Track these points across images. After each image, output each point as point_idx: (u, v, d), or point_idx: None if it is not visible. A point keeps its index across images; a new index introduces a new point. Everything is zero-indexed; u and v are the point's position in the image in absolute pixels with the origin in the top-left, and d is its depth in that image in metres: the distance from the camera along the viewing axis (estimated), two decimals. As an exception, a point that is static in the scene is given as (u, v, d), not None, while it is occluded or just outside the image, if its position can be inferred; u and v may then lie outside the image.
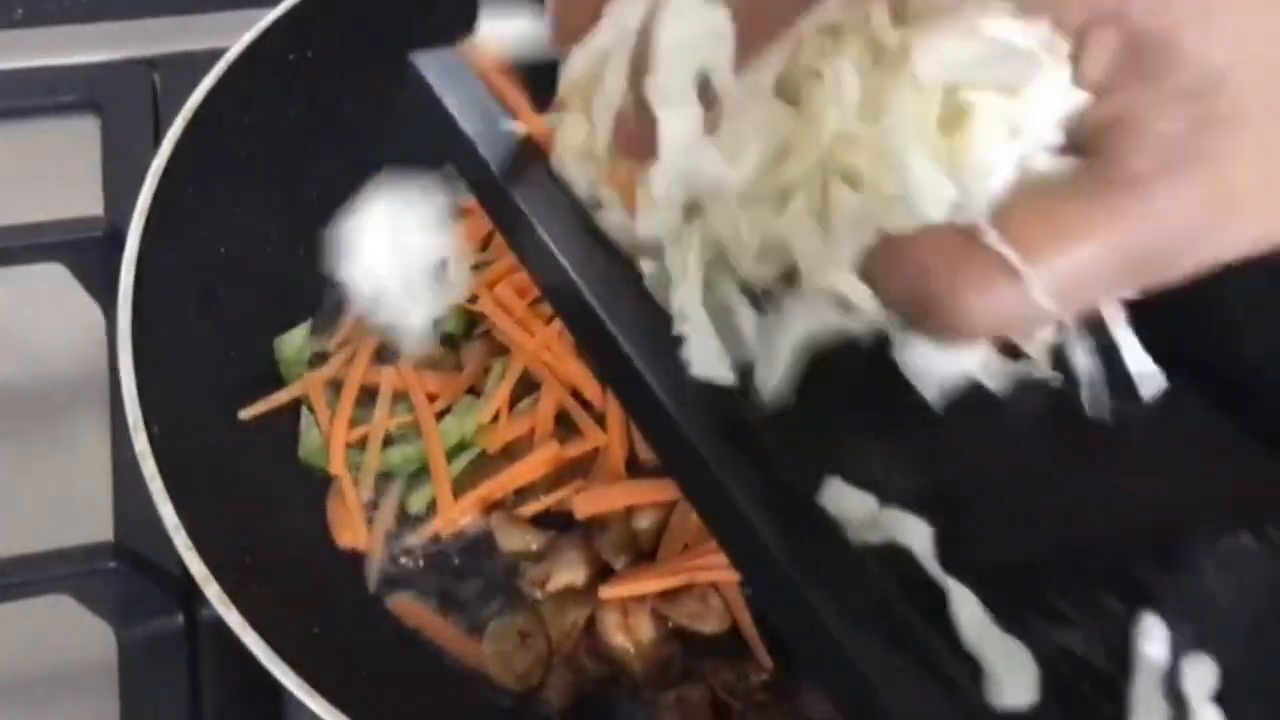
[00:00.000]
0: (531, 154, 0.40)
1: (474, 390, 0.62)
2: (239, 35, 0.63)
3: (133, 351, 0.52)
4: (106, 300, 0.68)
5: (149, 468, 0.50)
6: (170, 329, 0.56)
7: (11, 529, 0.62)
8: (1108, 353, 0.37)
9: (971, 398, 0.36)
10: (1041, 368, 0.38)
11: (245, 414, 0.59)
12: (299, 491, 0.60)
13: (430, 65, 0.44)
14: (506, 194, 0.39)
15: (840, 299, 0.32)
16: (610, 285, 0.36)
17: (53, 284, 0.67)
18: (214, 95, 0.60)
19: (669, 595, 0.56)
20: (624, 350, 0.34)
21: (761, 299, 0.36)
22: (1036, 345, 0.37)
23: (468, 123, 0.41)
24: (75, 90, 0.80)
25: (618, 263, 0.37)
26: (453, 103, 0.42)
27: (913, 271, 0.28)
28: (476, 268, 0.62)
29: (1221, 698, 0.31)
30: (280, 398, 0.61)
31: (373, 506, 0.60)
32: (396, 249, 0.49)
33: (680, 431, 0.33)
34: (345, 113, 0.68)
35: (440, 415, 0.61)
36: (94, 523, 0.62)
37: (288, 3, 0.63)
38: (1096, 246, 0.27)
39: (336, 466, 0.59)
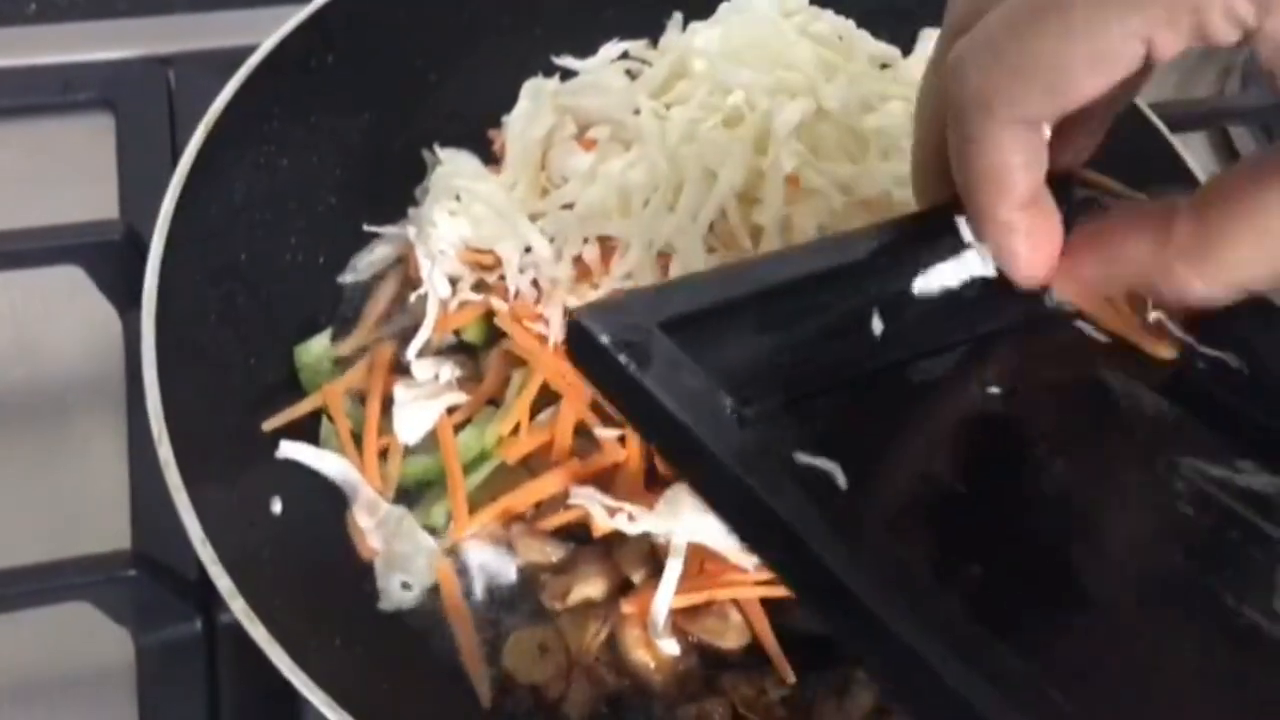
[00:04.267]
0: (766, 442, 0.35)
1: (494, 402, 0.62)
2: (254, 33, 0.63)
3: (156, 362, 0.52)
4: (123, 303, 0.68)
5: (173, 479, 0.50)
6: (192, 338, 0.56)
7: (26, 532, 0.62)
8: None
9: None
10: None
11: (267, 426, 0.59)
12: (320, 502, 0.60)
13: (603, 327, 0.37)
14: (744, 487, 0.33)
15: None
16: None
17: (67, 286, 0.67)
18: (235, 102, 0.60)
19: (689, 611, 0.56)
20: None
21: None
22: None
23: (676, 403, 0.35)
24: (89, 88, 0.80)
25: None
26: (653, 380, 0.36)
27: None
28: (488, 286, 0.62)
29: None
30: (300, 409, 0.61)
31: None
32: None
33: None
34: (366, 119, 0.67)
35: (460, 426, 0.61)
36: (109, 527, 0.62)
37: (308, 9, 0.63)
38: None
39: (370, 476, 0.60)
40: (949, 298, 0.43)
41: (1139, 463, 0.41)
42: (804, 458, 0.35)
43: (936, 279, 0.42)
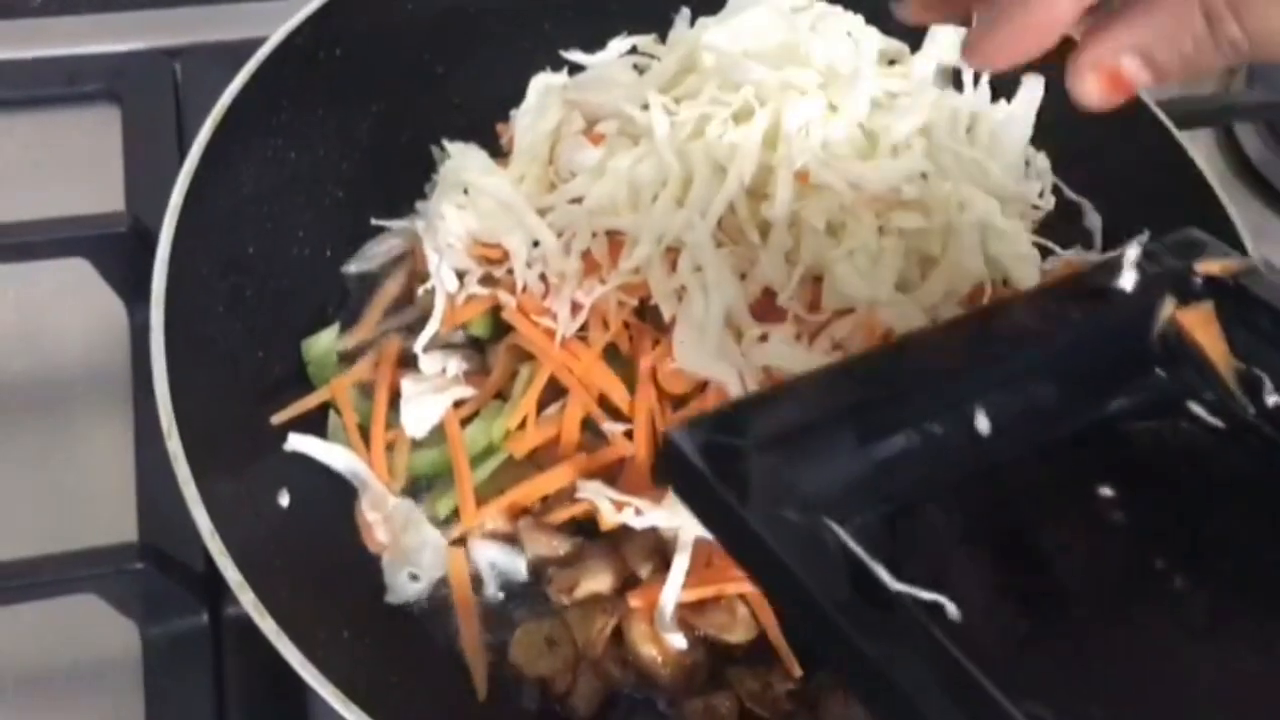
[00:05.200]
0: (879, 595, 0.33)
1: (501, 395, 0.62)
2: (261, 27, 0.63)
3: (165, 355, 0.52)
4: (130, 296, 0.68)
5: (182, 472, 0.50)
6: (199, 331, 0.56)
7: (32, 524, 0.63)
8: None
9: None
10: None
11: (275, 419, 0.59)
12: (327, 495, 0.60)
13: (699, 448, 0.35)
14: (852, 644, 0.31)
15: None
16: None
17: (73, 278, 0.67)
18: (243, 95, 0.60)
19: (696, 605, 0.56)
20: None
21: None
22: None
23: (784, 545, 0.33)
24: (95, 80, 0.80)
25: None
26: (755, 517, 0.34)
27: None
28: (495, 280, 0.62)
29: None
30: (308, 402, 0.61)
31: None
32: None
33: None
34: (373, 112, 0.67)
35: (467, 420, 0.61)
36: (115, 519, 0.63)
37: (316, 1, 0.63)
38: None
39: (378, 469, 0.60)
40: (1057, 385, 0.41)
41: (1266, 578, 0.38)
42: (914, 591, 0.33)
43: (1045, 366, 0.41)
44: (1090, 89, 0.38)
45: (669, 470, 0.36)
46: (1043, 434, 0.41)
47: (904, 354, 0.43)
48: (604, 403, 0.59)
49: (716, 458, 0.35)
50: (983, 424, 0.40)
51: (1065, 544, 0.39)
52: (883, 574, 0.33)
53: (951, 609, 0.33)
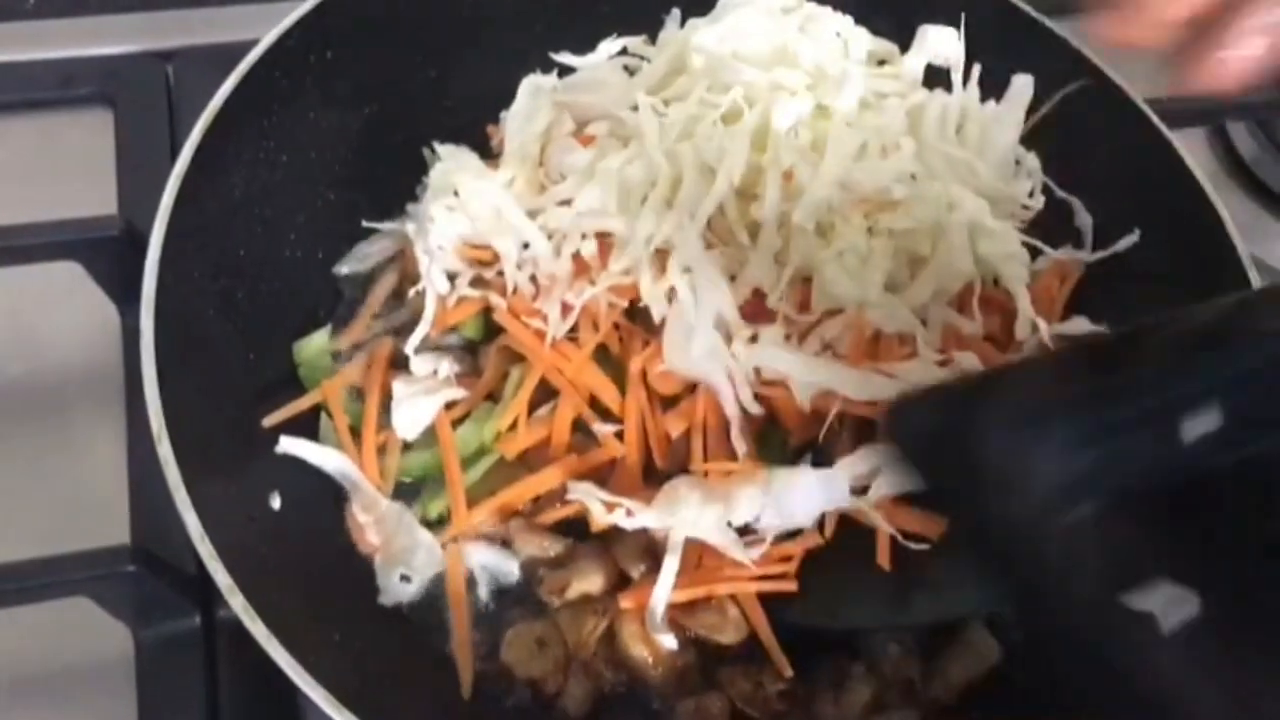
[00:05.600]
0: None
1: (492, 397, 0.62)
2: (253, 29, 0.63)
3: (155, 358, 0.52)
4: (122, 299, 0.68)
5: (172, 475, 0.50)
6: (191, 333, 0.56)
7: (24, 527, 0.63)
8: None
9: None
10: None
11: (267, 422, 0.59)
12: (319, 497, 0.60)
13: (929, 420, 0.37)
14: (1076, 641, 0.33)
15: None
16: None
17: (65, 281, 0.67)
18: (234, 97, 0.60)
19: (687, 606, 0.56)
20: None
21: None
22: None
23: (1013, 539, 0.34)
24: (89, 83, 0.80)
25: None
26: (985, 498, 0.35)
27: None
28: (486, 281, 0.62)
29: None
30: (300, 405, 0.61)
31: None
32: None
33: None
34: (364, 114, 0.67)
35: (458, 422, 0.61)
36: (108, 521, 0.63)
37: (308, 4, 0.63)
38: None
39: (369, 471, 0.60)
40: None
41: None
42: (1128, 601, 0.34)
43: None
44: (1217, 70, 0.39)
45: (898, 435, 0.37)
46: (1259, 442, 0.39)
47: (1133, 346, 0.42)
48: (595, 404, 0.59)
49: (947, 431, 0.36)
50: (1198, 427, 0.38)
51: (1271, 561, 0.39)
52: (1100, 580, 0.34)
53: (1162, 622, 0.33)
